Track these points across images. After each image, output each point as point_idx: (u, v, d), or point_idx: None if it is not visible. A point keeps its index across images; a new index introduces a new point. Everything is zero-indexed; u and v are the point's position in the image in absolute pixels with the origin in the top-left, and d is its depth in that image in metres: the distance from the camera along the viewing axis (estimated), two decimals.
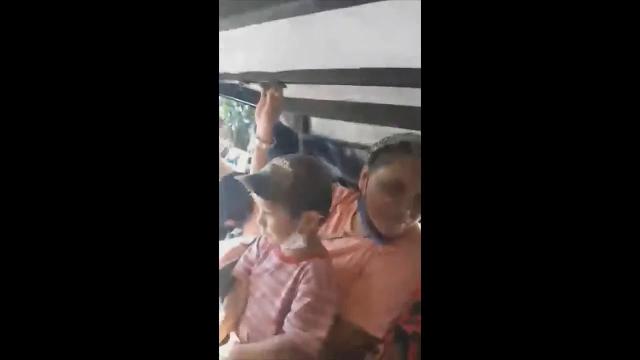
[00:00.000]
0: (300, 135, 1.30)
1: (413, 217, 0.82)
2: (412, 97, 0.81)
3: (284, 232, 0.76)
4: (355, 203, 0.98)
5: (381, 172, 0.84)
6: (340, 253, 0.89)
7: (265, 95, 1.01)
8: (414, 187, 0.79)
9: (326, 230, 1.00)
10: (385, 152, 0.85)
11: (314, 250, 0.79)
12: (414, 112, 0.88)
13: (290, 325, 0.73)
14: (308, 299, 0.72)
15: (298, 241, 0.77)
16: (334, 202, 1.05)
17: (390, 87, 0.75)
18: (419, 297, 0.78)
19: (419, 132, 0.84)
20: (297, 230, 0.75)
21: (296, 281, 0.76)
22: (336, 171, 1.27)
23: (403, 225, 0.83)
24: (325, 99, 1.10)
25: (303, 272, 0.75)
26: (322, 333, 0.72)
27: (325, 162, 1.31)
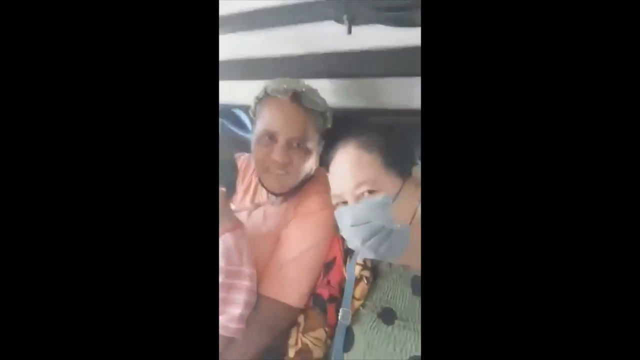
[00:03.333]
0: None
1: (296, 165, 0.75)
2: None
3: None
4: None
5: (257, 127, 0.78)
6: (258, 226, 0.82)
7: None
8: (284, 133, 0.73)
9: (242, 204, 0.91)
10: (257, 106, 0.79)
11: (224, 226, 0.72)
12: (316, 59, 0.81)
13: None
14: (219, 279, 0.67)
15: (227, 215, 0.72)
16: (248, 172, 0.97)
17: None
18: (328, 258, 0.75)
19: (286, 78, 0.79)
20: None
21: None
22: (251, 139, 1.16)
23: (289, 178, 0.76)
24: (226, 58, 0.97)
25: None
26: (238, 310, 0.66)
27: (238, 133, 1.20)
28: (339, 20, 0.58)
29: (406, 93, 0.74)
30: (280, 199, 0.80)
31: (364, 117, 0.83)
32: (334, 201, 0.69)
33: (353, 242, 0.65)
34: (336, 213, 0.67)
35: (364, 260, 0.69)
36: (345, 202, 0.65)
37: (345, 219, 0.64)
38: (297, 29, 0.68)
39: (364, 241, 0.62)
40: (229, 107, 1.17)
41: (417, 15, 0.49)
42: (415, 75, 0.62)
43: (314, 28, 0.66)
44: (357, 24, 0.56)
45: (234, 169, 0.75)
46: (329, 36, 0.66)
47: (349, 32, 0.57)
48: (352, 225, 0.62)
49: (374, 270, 0.69)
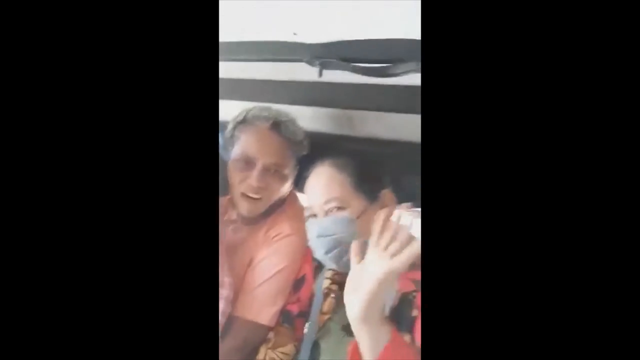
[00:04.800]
0: None
1: (271, 191, 0.80)
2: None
3: None
4: None
5: (234, 151, 0.82)
6: (230, 244, 0.85)
7: None
8: (262, 159, 0.78)
9: None
10: (235, 129, 0.83)
11: None
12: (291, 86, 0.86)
13: None
14: None
15: None
16: None
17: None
18: (298, 275, 0.80)
19: (265, 105, 0.84)
20: None
21: None
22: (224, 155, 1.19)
23: (261, 203, 0.80)
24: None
25: None
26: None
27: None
28: (311, 63, 0.64)
29: (380, 125, 0.82)
30: (250, 220, 0.84)
31: (339, 143, 0.89)
32: (305, 213, 0.75)
33: (318, 252, 0.71)
34: (307, 224, 0.73)
35: (332, 275, 0.75)
36: (314, 215, 0.72)
37: (313, 230, 0.70)
38: (272, 64, 0.73)
39: (328, 251, 0.68)
40: None
41: (386, 67, 0.56)
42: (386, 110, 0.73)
43: (288, 66, 0.71)
44: (328, 69, 0.62)
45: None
46: (303, 73, 0.71)
47: (320, 75, 0.62)
48: (319, 237, 0.69)
49: (341, 285, 0.75)
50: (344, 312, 0.71)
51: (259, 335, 0.75)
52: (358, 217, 0.69)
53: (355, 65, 0.58)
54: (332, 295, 0.73)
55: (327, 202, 0.70)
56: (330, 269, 0.76)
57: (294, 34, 0.60)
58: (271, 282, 0.77)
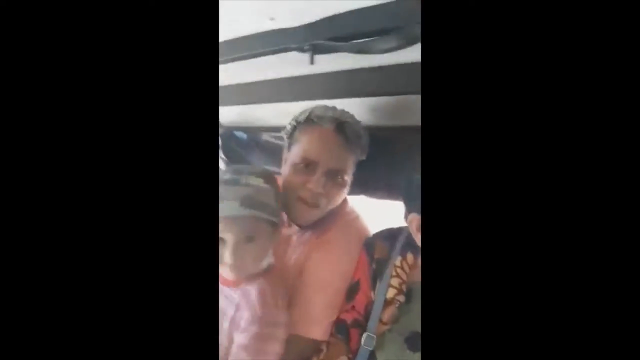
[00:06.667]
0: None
1: (329, 198, 0.73)
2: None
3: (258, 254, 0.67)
4: None
5: (293, 152, 0.74)
6: (283, 258, 0.79)
7: None
8: (324, 163, 0.70)
9: None
10: (296, 130, 0.75)
11: (267, 268, 0.71)
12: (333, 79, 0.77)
13: None
14: (254, 329, 0.64)
15: (268, 259, 0.70)
16: None
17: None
18: (352, 281, 0.73)
19: (325, 102, 0.75)
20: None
21: (238, 309, 0.67)
22: (258, 162, 1.15)
23: (318, 211, 0.73)
24: (236, 82, 0.95)
25: (244, 297, 0.66)
26: (273, 358, 0.65)
27: (246, 157, 1.18)
28: (300, 50, 0.54)
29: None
30: (302, 229, 0.78)
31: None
32: None
33: None
34: None
35: (399, 285, 0.68)
36: None
37: None
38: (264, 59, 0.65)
39: None
40: (236, 131, 1.16)
41: (378, 43, 0.45)
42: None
43: (278, 57, 0.62)
44: (319, 53, 0.52)
45: (276, 192, 0.70)
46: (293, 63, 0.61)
47: (312, 62, 0.53)
48: None
49: (408, 293, 0.67)
50: (408, 323, 0.65)
51: (311, 350, 0.70)
52: None
53: (350, 44, 0.47)
54: (397, 304, 0.66)
55: None
56: (395, 276, 0.68)
57: (271, 19, 0.51)
58: (323, 294, 0.72)
